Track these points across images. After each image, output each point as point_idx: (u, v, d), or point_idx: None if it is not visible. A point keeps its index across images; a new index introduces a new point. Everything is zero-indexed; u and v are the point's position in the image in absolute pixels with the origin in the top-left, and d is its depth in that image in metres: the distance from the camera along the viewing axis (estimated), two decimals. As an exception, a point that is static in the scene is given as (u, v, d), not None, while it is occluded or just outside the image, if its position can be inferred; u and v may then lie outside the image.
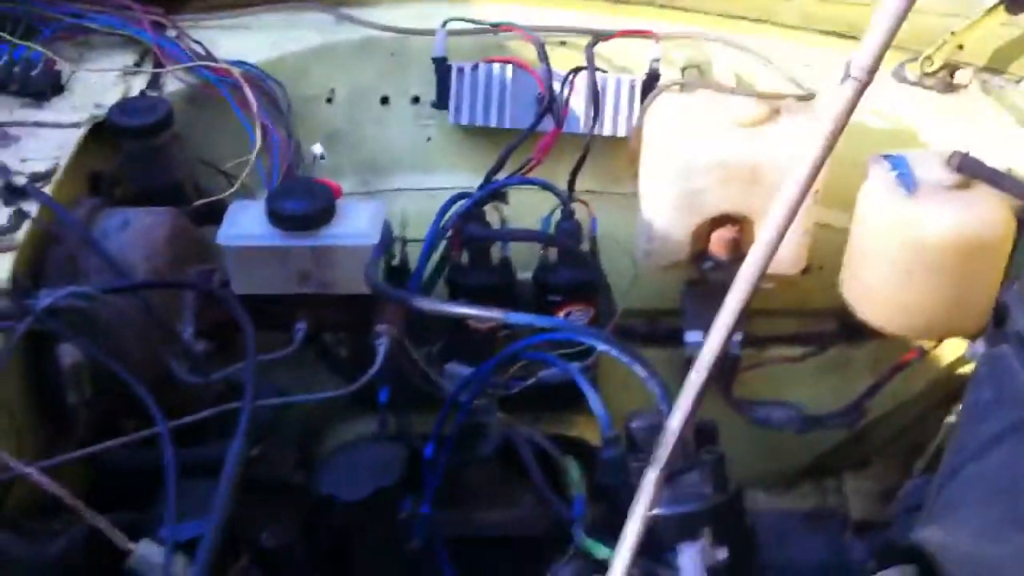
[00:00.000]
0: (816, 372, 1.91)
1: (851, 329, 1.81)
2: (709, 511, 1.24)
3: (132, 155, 1.73)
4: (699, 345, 1.78)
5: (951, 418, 1.75)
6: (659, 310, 1.92)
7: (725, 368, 1.86)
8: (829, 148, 0.92)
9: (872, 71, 0.89)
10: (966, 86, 1.81)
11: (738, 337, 1.82)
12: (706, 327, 1.76)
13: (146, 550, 1.30)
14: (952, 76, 1.82)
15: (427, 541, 1.63)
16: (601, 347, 1.34)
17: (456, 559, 1.66)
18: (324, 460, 1.60)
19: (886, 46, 0.89)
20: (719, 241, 1.70)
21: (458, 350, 1.74)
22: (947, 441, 1.78)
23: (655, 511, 1.09)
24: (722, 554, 1.20)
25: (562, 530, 1.48)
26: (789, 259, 1.68)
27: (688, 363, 1.82)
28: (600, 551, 1.27)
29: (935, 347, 1.80)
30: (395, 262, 1.72)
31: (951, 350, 1.82)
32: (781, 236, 0.96)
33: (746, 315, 1.81)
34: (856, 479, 2.00)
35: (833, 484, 2.03)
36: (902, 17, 0.88)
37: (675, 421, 1.01)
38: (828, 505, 2.02)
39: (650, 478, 1.03)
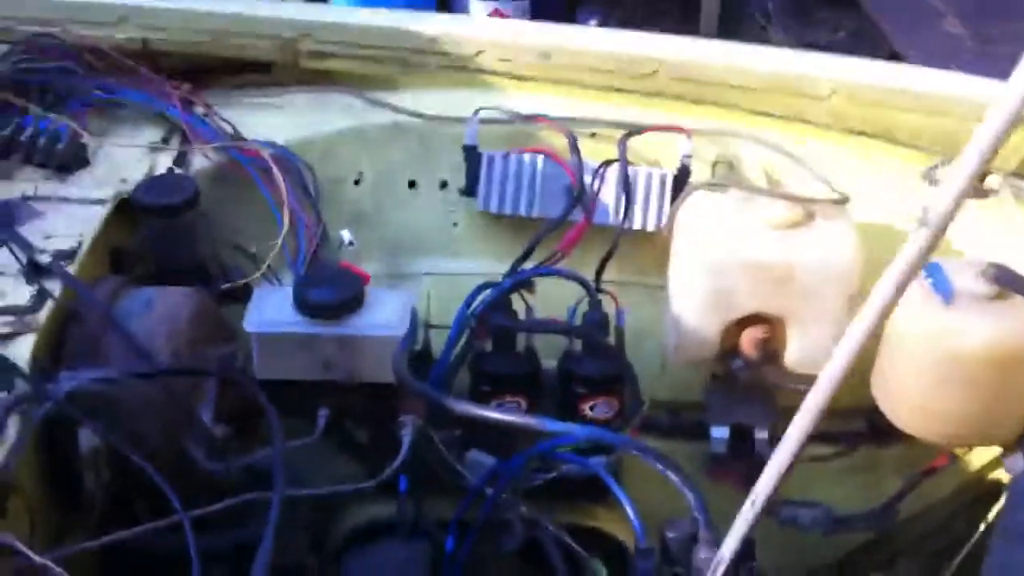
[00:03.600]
0: (843, 472, 1.88)
1: (880, 430, 1.78)
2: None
3: (156, 233, 1.71)
4: (723, 441, 1.82)
5: (982, 526, 1.73)
6: (682, 402, 1.89)
7: (752, 467, 1.83)
8: (900, 291, 0.91)
9: (949, 219, 0.88)
10: (996, 191, 1.81)
11: (764, 435, 1.80)
12: (731, 423, 1.81)
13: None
14: (982, 181, 1.80)
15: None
16: (642, 457, 1.34)
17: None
18: (347, 559, 1.56)
19: (966, 194, 0.88)
20: (750, 341, 1.68)
21: (478, 437, 1.71)
22: (983, 556, 1.76)
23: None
24: None
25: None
26: (822, 363, 1.62)
27: (713, 459, 1.85)
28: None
29: (966, 452, 1.78)
30: (418, 347, 1.69)
31: (981, 454, 1.79)
32: (843, 375, 0.94)
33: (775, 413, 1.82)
34: None
35: None
36: (985, 162, 0.87)
37: (727, 550, 0.98)
38: (855, 607, 1.99)
39: (699, 605, 1.00)
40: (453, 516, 1.60)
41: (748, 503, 0.99)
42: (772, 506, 1.79)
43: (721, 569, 0.98)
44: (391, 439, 1.58)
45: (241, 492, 1.42)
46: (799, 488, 1.86)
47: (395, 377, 1.49)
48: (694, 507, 1.27)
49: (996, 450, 1.74)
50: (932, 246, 0.89)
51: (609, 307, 1.71)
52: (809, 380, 1.67)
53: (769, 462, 0.99)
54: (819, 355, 1.67)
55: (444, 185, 1.92)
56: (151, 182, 1.72)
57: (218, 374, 1.52)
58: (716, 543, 1.26)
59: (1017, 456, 1.43)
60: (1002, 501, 1.72)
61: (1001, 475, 1.75)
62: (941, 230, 0.88)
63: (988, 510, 1.75)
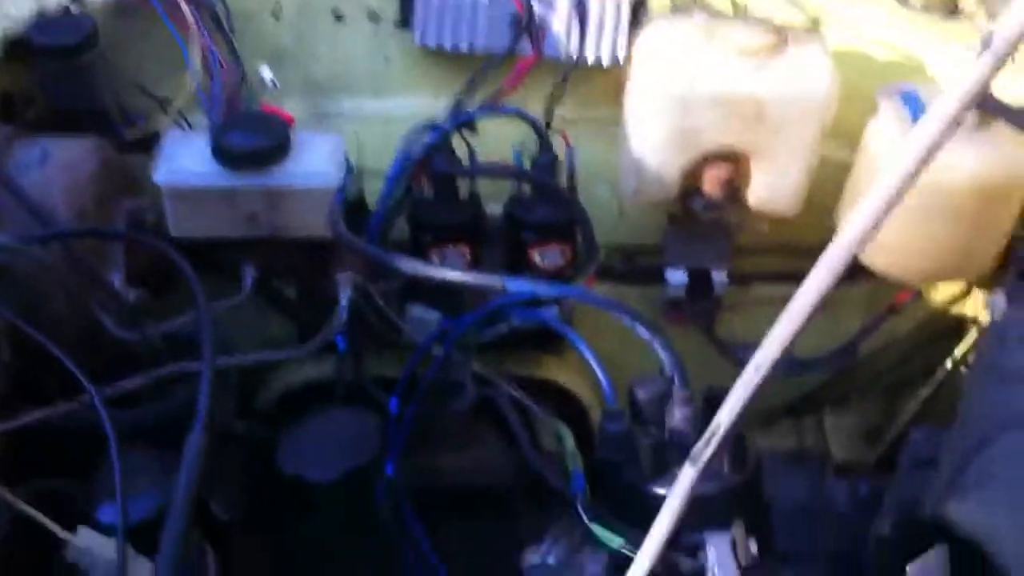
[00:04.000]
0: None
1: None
2: (728, 493, 1.14)
3: (51, 76, 1.54)
4: (682, 286, 1.73)
5: (948, 364, 1.70)
6: (637, 246, 1.79)
7: (708, 307, 1.76)
8: (952, 130, 0.78)
9: (1016, 45, 0.75)
10: (970, 11, 1.68)
11: (722, 276, 1.71)
12: (689, 265, 1.72)
13: (87, 541, 1.14)
14: (955, 0, 1.69)
15: (394, 503, 1.51)
16: (621, 319, 1.26)
17: (423, 515, 1.54)
18: (288, 432, 1.45)
19: None
20: (713, 180, 1.56)
21: (422, 290, 1.58)
22: (944, 392, 1.72)
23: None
24: (754, 547, 1.10)
25: (532, 478, 1.39)
26: (788, 201, 1.56)
27: (669, 303, 1.77)
28: (611, 540, 1.15)
29: (929, 287, 1.71)
30: (350, 196, 1.55)
31: (944, 289, 1.72)
32: (871, 230, 0.82)
33: (732, 254, 1.73)
34: (836, 418, 1.95)
35: (812, 423, 1.97)
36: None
37: (725, 417, 0.89)
38: (807, 445, 1.96)
39: (688, 474, 0.91)
40: (399, 378, 1.49)
41: (751, 368, 0.89)
42: (728, 348, 1.75)
43: (718, 437, 0.88)
44: (323, 295, 1.47)
45: (162, 361, 1.32)
46: (757, 329, 1.79)
47: (333, 234, 1.36)
48: (669, 366, 1.19)
49: (959, 285, 1.68)
50: (994, 74, 0.76)
51: (560, 148, 1.57)
52: (772, 217, 1.62)
53: (773, 328, 0.89)
54: (786, 192, 1.58)
55: (375, 16, 1.73)
56: (44, 20, 1.54)
57: (129, 237, 1.37)
58: (692, 402, 1.18)
59: (999, 296, 1.36)
60: (969, 338, 1.68)
61: (963, 311, 1.71)
62: (1004, 57, 0.75)
63: (949, 346, 1.71)
